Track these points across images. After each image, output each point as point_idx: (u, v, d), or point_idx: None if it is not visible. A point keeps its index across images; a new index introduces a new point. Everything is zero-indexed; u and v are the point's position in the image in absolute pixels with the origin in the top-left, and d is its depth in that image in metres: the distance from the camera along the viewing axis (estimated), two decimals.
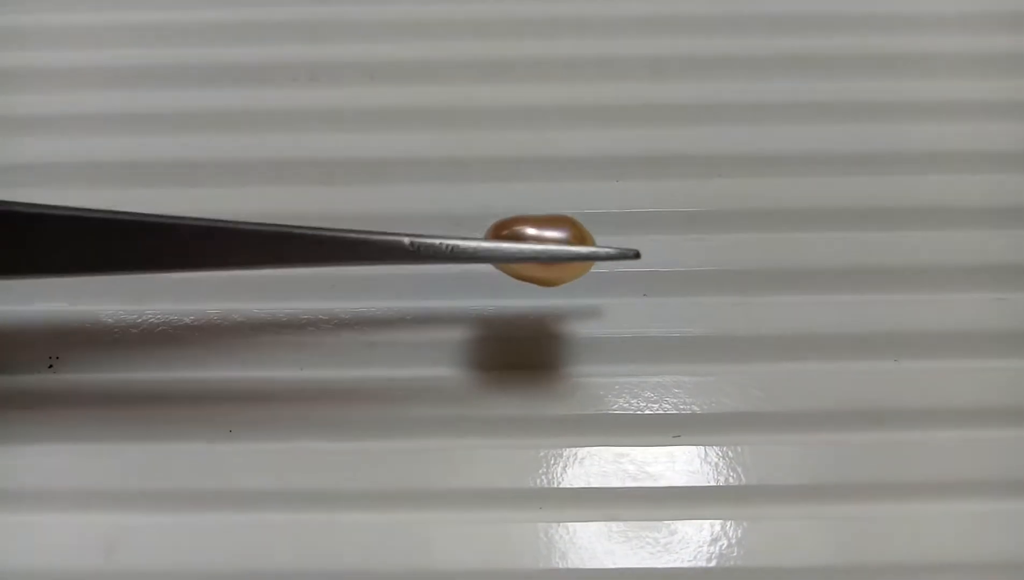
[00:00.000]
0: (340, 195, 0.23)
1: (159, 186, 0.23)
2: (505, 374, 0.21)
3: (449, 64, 0.25)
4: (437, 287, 0.22)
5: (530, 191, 0.23)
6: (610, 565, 0.19)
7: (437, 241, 0.18)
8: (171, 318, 0.22)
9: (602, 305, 0.22)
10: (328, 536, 0.20)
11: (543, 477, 0.20)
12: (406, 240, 0.18)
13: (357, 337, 0.21)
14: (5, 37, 0.25)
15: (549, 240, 0.18)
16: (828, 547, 0.19)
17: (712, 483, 0.20)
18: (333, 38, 0.25)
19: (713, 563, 0.19)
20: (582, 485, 0.20)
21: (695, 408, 0.21)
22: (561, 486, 0.20)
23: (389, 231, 0.18)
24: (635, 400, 0.21)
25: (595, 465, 0.20)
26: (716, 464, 0.20)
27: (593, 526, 0.20)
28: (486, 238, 0.19)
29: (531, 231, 0.18)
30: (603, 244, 0.19)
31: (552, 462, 0.20)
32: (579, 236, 0.19)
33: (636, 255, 0.18)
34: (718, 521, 0.20)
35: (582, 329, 0.21)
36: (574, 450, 0.20)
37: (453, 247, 0.18)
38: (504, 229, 0.19)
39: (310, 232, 0.18)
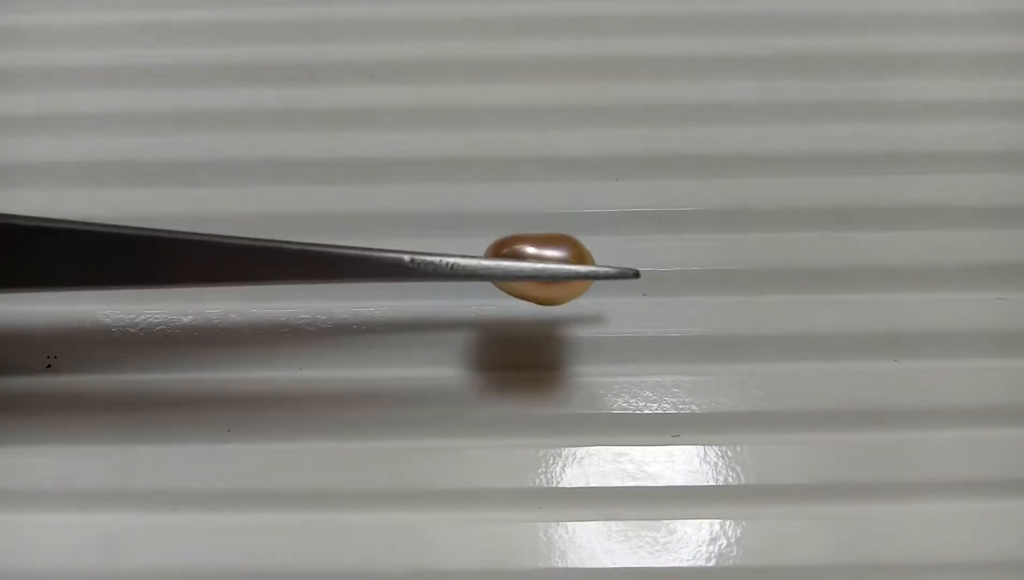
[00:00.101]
0: (340, 195, 0.23)
1: (159, 186, 0.23)
2: (505, 374, 0.21)
3: (449, 64, 0.25)
4: (437, 288, 0.22)
5: (530, 191, 0.23)
6: (609, 564, 0.19)
7: (437, 259, 0.18)
8: (170, 318, 0.22)
9: (602, 305, 0.22)
10: (328, 536, 0.20)
11: (542, 477, 0.20)
12: (406, 257, 0.18)
13: (357, 337, 0.21)
14: (5, 37, 0.25)
15: (548, 259, 0.18)
16: (828, 547, 0.19)
17: (711, 483, 0.20)
18: (333, 38, 0.25)
19: (712, 562, 0.19)
20: (581, 485, 0.20)
21: (694, 408, 0.21)
22: (560, 486, 0.20)
23: (389, 249, 0.18)
24: (634, 400, 0.21)
25: (594, 465, 0.20)
26: (715, 464, 0.20)
27: (592, 525, 0.20)
28: (486, 256, 0.19)
29: (531, 250, 0.19)
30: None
31: (551, 462, 0.20)
32: (579, 255, 0.19)
33: (635, 274, 0.18)
34: (717, 520, 0.20)
35: (582, 329, 0.21)
36: (573, 450, 0.20)
37: (453, 265, 0.18)
38: (504, 247, 0.19)
39: (309, 249, 0.18)
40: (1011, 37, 0.25)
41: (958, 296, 0.22)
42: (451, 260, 0.18)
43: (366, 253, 0.18)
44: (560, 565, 0.19)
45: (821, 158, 0.23)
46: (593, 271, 0.18)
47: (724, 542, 0.19)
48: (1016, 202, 0.23)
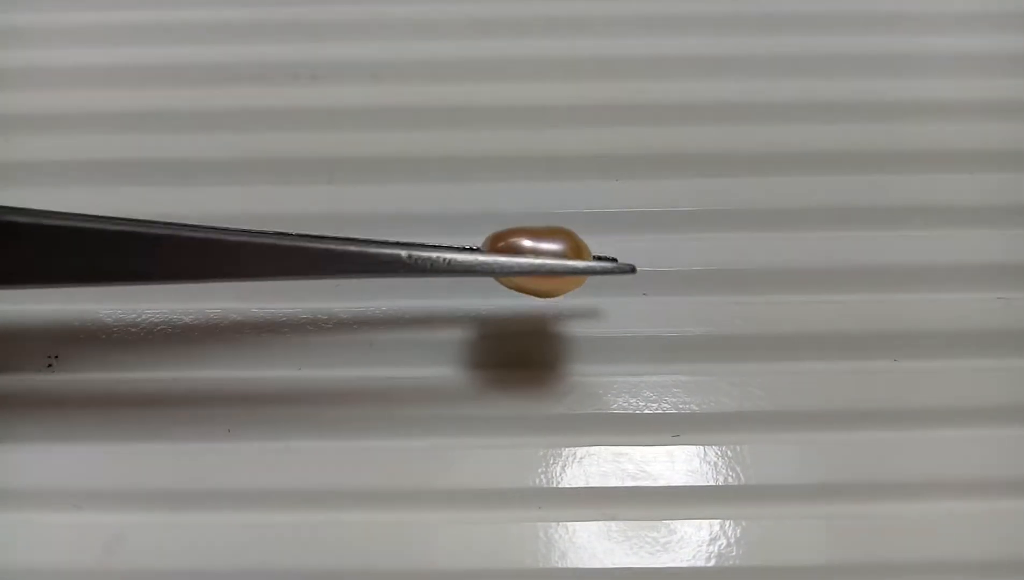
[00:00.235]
0: (340, 195, 0.23)
1: (159, 185, 0.23)
2: (504, 374, 0.21)
3: (449, 64, 0.25)
4: (436, 287, 0.22)
5: (530, 191, 0.23)
6: (609, 564, 0.19)
7: (434, 255, 0.18)
8: (170, 317, 0.22)
9: (601, 304, 0.22)
10: (328, 536, 0.20)
11: (542, 476, 0.20)
12: (404, 253, 0.18)
13: (357, 337, 0.21)
14: (5, 37, 0.25)
15: (545, 252, 0.18)
16: (828, 547, 0.19)
17: (711, 483, 0.20)
18: (334, 38, 0.25)
19: (712, 562, 0.19)
20: (581, 484, 0.20)
21: (694, 407, 0.21)
22: (560, 485, 0.20)
23: (386, 242, 0.18)
24: (634, 399, 0.21)
25: (594, 464, 0.20)
26: (715, 464, 0.20)
27: (592, 525, 0.20)
28: (483, 249, 0.19)
29: (528, 243, 0.19)
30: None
31: (551, 462, 0.20)
32: (575, 248, 0.19)
33: (632, 270, 0.18)
34: (717, 520, 0.20)
35: (581, 328, 0.21)
36: (573, 450, 0.20)
37: (450, 261, 0.18)
38: (501, 241, 0.19)
39: (307, 245, 0.18)
40: (1011, 37, 0.25)
41: (958, 296, 0.22)
42: (448, 255, 0.18)
43: (363, 248, 0.18)
44: (560, 565, 0.19)
45: (821, 158, 0.23)
46: (590, 266, 0.18)
47: (724, 542, 0.19)
48: (1016, 202, 0.23)
